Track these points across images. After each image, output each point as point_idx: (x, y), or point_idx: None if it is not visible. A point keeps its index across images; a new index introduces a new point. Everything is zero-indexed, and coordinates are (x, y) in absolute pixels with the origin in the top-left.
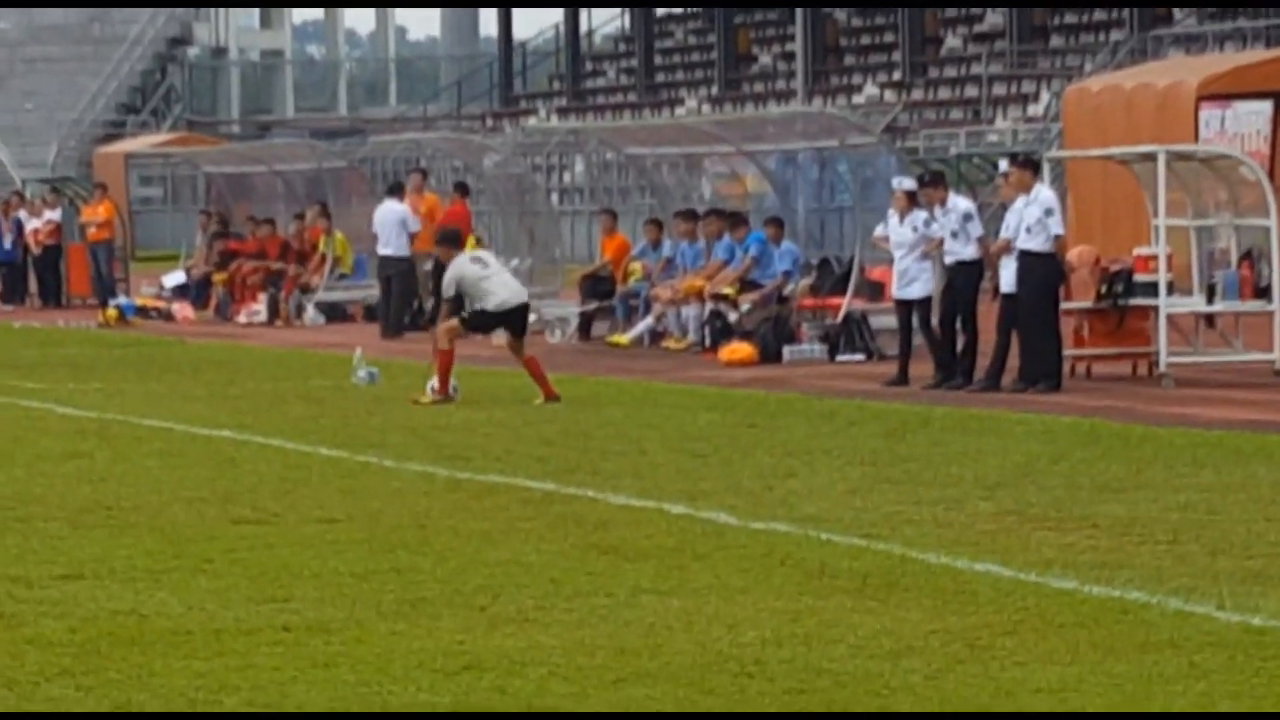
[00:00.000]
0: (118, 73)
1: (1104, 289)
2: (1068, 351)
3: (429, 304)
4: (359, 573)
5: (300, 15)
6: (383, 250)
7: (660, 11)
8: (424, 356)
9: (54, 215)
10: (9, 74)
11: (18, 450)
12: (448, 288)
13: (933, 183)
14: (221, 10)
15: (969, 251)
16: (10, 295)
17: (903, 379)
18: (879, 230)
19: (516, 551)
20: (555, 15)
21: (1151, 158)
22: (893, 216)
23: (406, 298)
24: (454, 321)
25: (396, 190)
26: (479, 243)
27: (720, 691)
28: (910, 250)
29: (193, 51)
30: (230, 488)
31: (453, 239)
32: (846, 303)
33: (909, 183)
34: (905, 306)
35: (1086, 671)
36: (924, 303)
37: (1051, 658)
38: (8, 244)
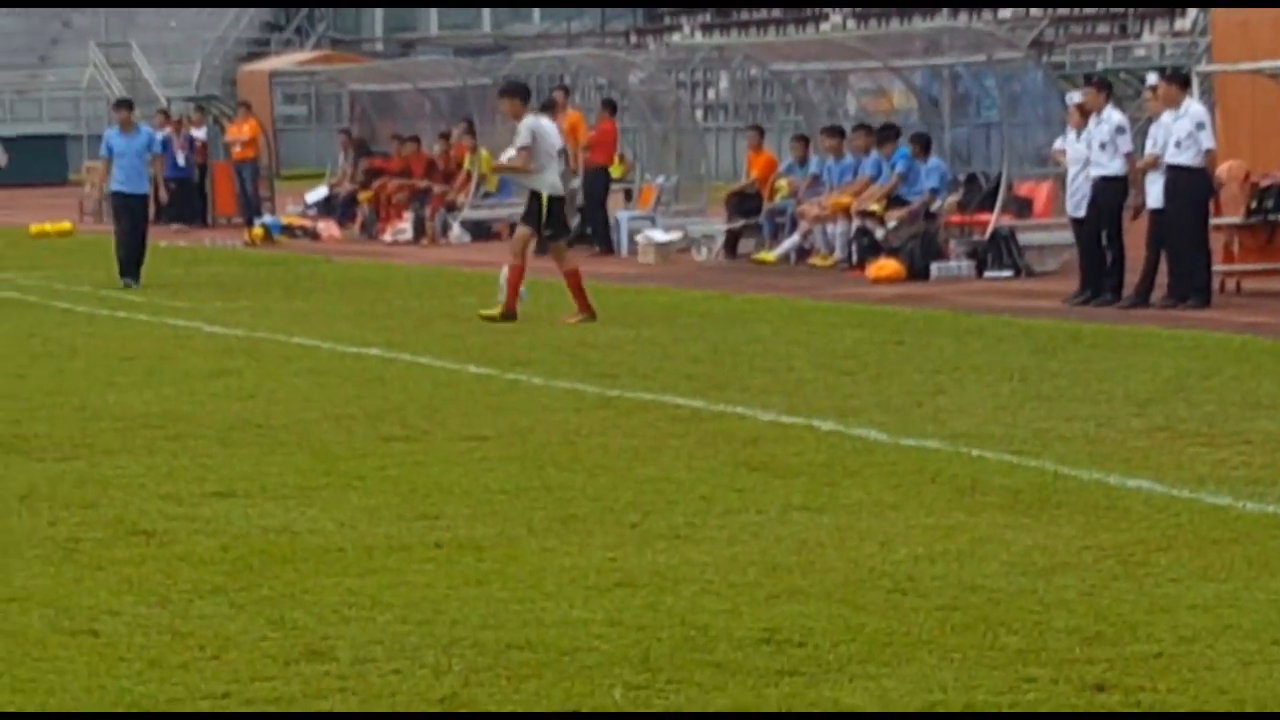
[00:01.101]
0: None
1: (1254, 204)
2: (1217, 267)
3: (574, 221)
4: (509, 490)
5: None
6: None
7: None
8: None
9: (199, 134)
10: None
11: (167, 368)
12: (520, 136)
13: (1097, 86)
14: None
15: (1115, 166)
16: (184, 213)
17: (1091, 294)
18: (1057, 144)
19: (666, 468)
20: None
21: None
22: (1069, 131)
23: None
24: (527, 232)
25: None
26: (623, 160)
27: (873, 608)
28: (1084, 166)
29: None
30: (379, 405)
31: (520, 91)
32: (994, 219)
33: (1079, 96)
34: (1078, 224)
35: (1241, 587)
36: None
37: (1206, 574)
38: (181, 160)
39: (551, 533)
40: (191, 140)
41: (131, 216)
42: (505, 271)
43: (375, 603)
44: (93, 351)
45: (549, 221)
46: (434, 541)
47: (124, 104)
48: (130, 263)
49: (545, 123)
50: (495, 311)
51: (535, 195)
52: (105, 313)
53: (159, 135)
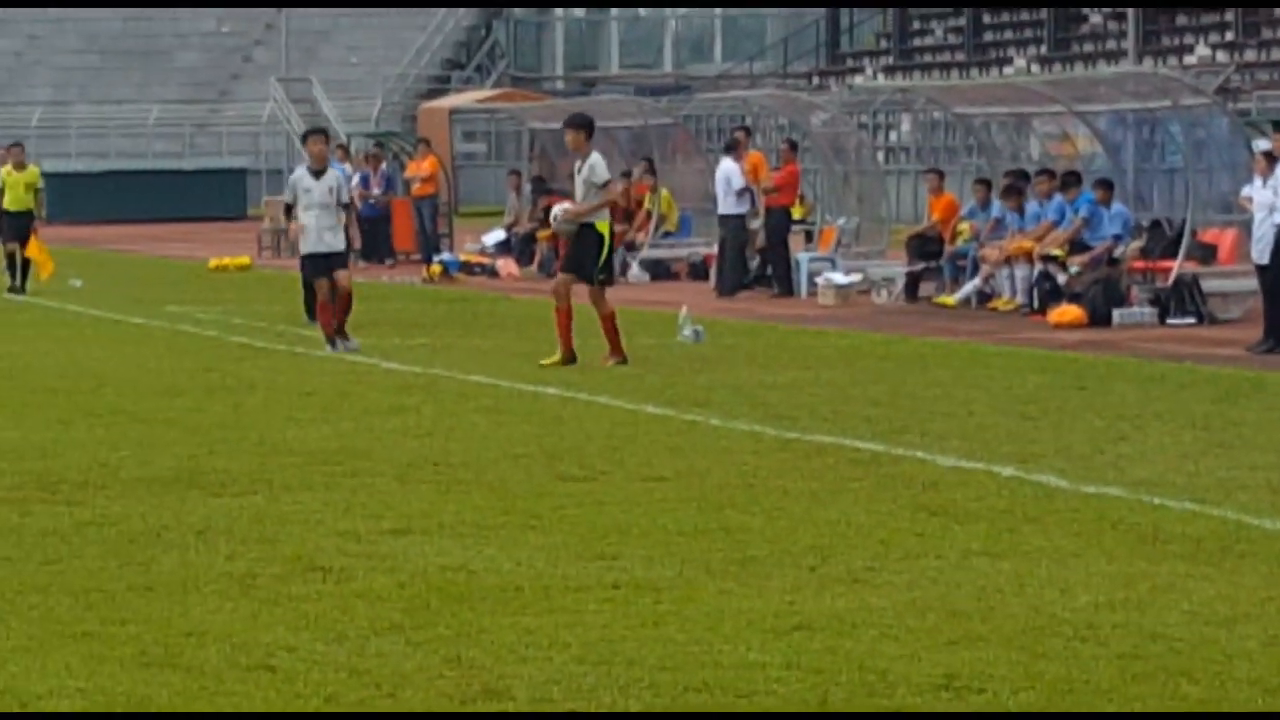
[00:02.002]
0: (443, 28)
1: None
2: None
3: (754, 263)
4: (687, 531)
5: None
6: (719, 209)
7: None
8: (749, 315)
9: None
10: (334, 28)
11: (345, 405)
12: (598, 172)
13: None
14: None
15: None
16: (374, 250)
17: (1275, 343)
18: (1245, 191)
19: (845, 512)
20: None
21: None
22: (1256, 179)
23: (739, 256)
24: (569, 278)
25: (732, 148)
26: (804, 201)
27: (1053, 655)
28: (1270, 213)
29: (518, 9)
30: (557, 445)
31: (588, 125)
32: (1178, 266)
33: (1265, 143)
34: (1262, 271)
35: None
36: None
37: None
38: (374, 196)
39: (729, 575)
40: (388, 177)
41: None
42: (558, 316)
43: (552, 643)
44: (271, 387)
45: (607, 263)
46: (612, 582)
47: (317, 134)
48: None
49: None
50: (556, 358)
51: (596, 233)
52: (283, 348)
53: (355, 173)
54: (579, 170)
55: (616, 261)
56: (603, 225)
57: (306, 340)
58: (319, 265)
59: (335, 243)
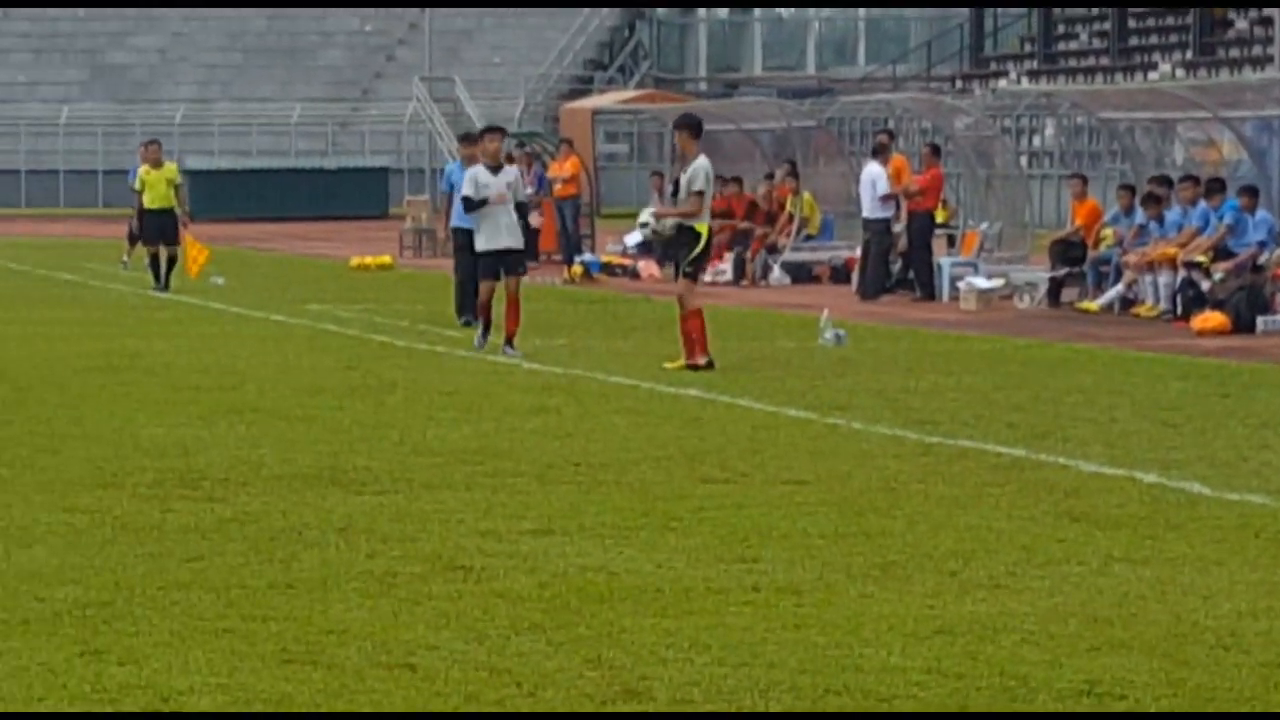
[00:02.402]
0: (586, 28)
1: None
2: None
3: (896, 266)
4: (828, 534)
5: None
6: (863, 212)
7: None
8: (891, 319)
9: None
10: (477, 28)
11: (486, 405)
12: (696, 180)
13: None
14: None
15: None
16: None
17: None
18: None
19: (987, 517)
20: None
21: None
22: None
23: (882, 260)
24: (688, 283)
25: (879, 151)
26: (946, 205)
27: (1196, 663)
28: None
29: (661, 9)
30: (698, 447)
31: (698, 126)
32: None
33: None
34: None
35: None
36: None
37: None
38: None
39: (870, 579)
40: (541, 176)
41: (473, 253)
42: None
43: (693, 644)
44: (412, 386)
45: (696, 259)
46: (752, 585)
47: (469, 138)
48: (470, 299)
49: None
50: (679, 363)
51: (694, 233)
52: (424, 347)
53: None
54: (683, 171)
55: (759, 264)
56: (701, 226)
57: (448, 340)
58: (491, 263)
59: (515, 238)
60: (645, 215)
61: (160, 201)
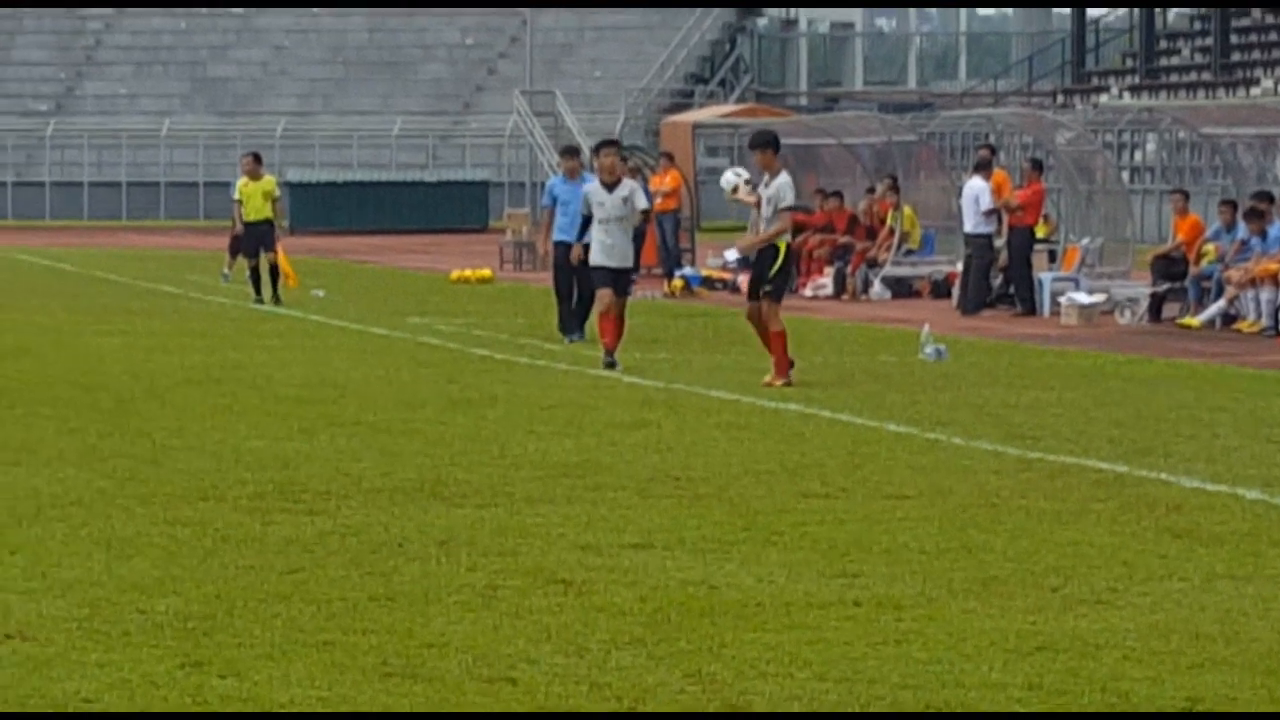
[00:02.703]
0: (686, 42)
1: None
2: None
3: (997, 281)
4: (929, 549)
5: None
6: (965, 227)
7: None
8: (992, 334)
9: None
10: (579, 41)
11: (587, 419)
12: (784, 196)
13: None
14: None
15: None
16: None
17: None
18: None
19: (1088, 533)
20: None
21: None
22: None
23: (983, 275)
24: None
25: (982, 166)
26: (1047, 220)
27: None
28: None
29: (762, 22)
30: (798, 461)
31: (775, 142)
32: None
33: None
34: None
35: None
36: None
37: None
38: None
39: (971, 594)
40: (647, 191)
41: (575, 268)
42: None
43: (794, 659)
44: (512, 399)
45: (776, 276)
46: (853, 599)
47: (571, 151)
48: (572, 317)
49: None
50: (776, 380)
51: (774, 248)
52: (524, 360)
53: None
54: (765, 185)
55: (859, 279)
56: (780, 242)
57: (549, 353)
58: (605, 278)
59: (625, 258)
60: (730, 255)
61: (257, 214)
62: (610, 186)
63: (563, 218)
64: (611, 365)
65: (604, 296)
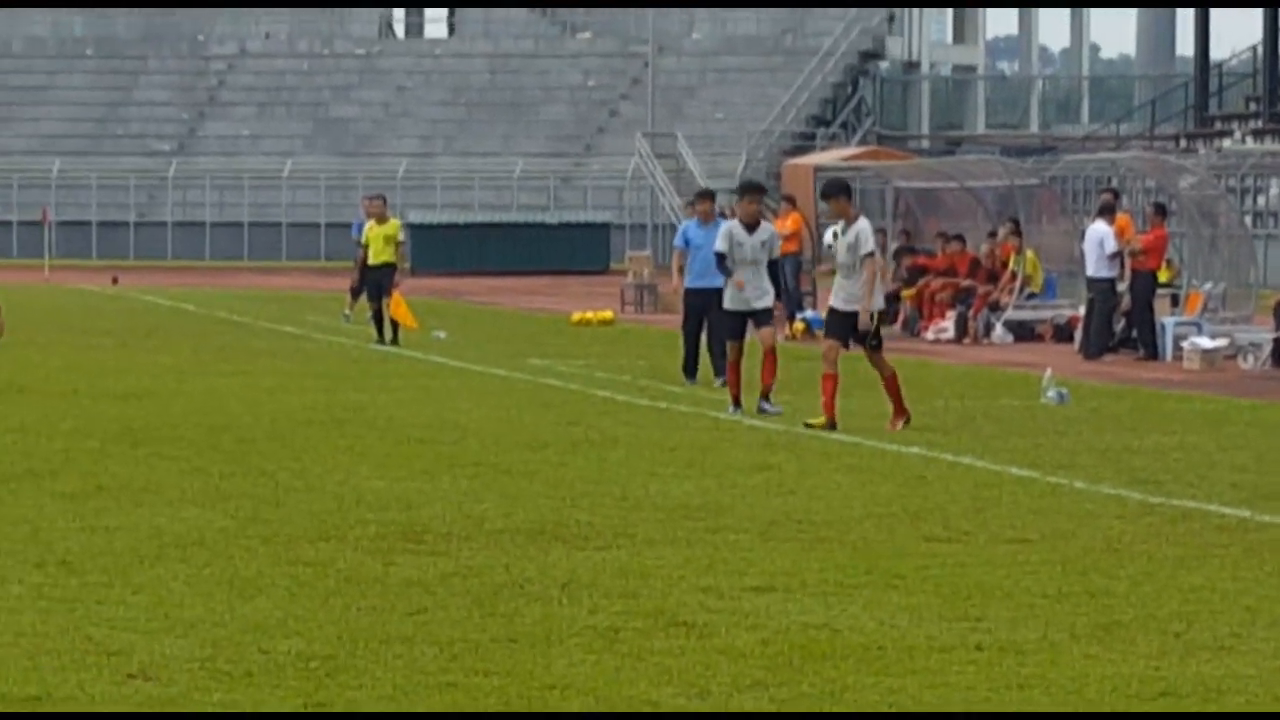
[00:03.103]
0: (808, 85)
1: None
2: None
3: (1119, 325)
4: (1051, 594)
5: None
6: (1088, 271)
7: None
8: (1114, 378)
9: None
10: (700, 84)
11: (707, 461)
12: (866, 242)
13: None
14: (914, 24)
15: None
16: None
17: None
18: None
19: (1211, 578)
20: (1253, 34)
21: None
22: None
23: (1106, 319)
24: (837, 344)
25: (1106, 210)
26: (1170, 265)
27: None
28: None
29: (884, 65)
30: (920, 505)
31: (848, 190)
32: None
33: None
34: None
35: None
36: None
37: None
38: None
39: (1094, 639)
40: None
41: (703, 314)
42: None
43: (916, 703)
44: (634, 441)
45: (876, 332)
46: (975, 644)
47: (706, 195)
48: (696, 362)
49: None
50: (819, 421)
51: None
52: (646, 403)
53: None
54: (842, 233)
55: (981, 322)
56: (879, 298)
57: (670, 395)
58: (738, 323)
59: (763, 300)
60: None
61: (379, 257)
62: (750, 229)
63: (696, 263)
64: (737, 406)
65: (733, 350)
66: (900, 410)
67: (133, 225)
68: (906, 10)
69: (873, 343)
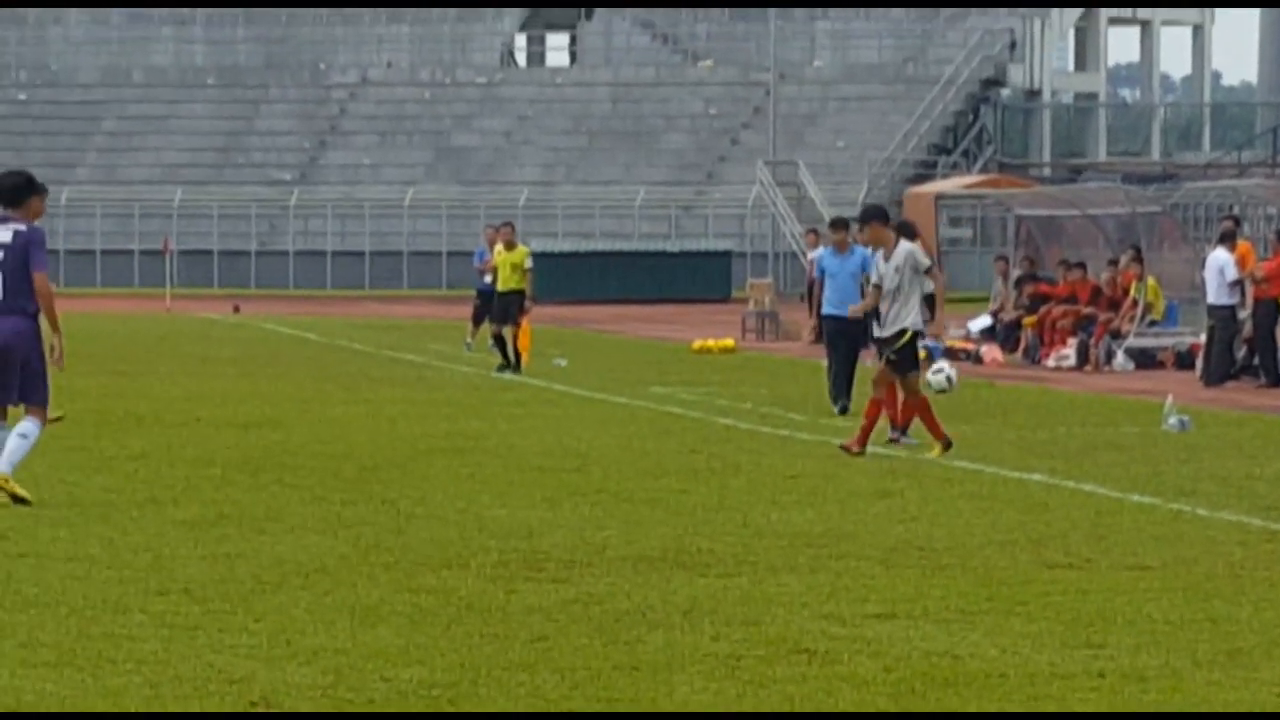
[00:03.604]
0: (930, 113)
1: None
2: None
3: (1241, 352)
4: (1174, 620)
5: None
6: (1209, 299)
7: None
8: (1236, 405)
9: (814, 254)
10: (822, 112)
11: (830, 488)
12: (922, 260)
13: None
14: (1036, 52)
15: None
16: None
17: None
18: None
19: None
20: None
21: None
22: None
23: (1227, 346)
24: (886, 368)
25: (1227, 238)
26: None
27: None
28: None
29: (1005, 93)
30: (1042, 532)
31: (885, 214)
32: None
33: None
34: None
35: None
36: None
37: None
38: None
39: (1217, 665)
40: None
41: (846, 341)
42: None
43: None
44: (755, 469)
45: (905, 347)
46: (1098, 671)
47: (840, 223)
48: (842, 390)
49: None
50: (935, 451)
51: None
52: (768, 430)
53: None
54: (886, 259)
55: (1103, 350)
56: (915, 318)
57: (792, 423)
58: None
59: (888, 330)
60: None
61: (506, 284)
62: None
63: (831, 292)
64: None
65: (879, 380)
66: (936, 433)
67: (254, 254)
68: (1028, 37)
69: (890, 357)
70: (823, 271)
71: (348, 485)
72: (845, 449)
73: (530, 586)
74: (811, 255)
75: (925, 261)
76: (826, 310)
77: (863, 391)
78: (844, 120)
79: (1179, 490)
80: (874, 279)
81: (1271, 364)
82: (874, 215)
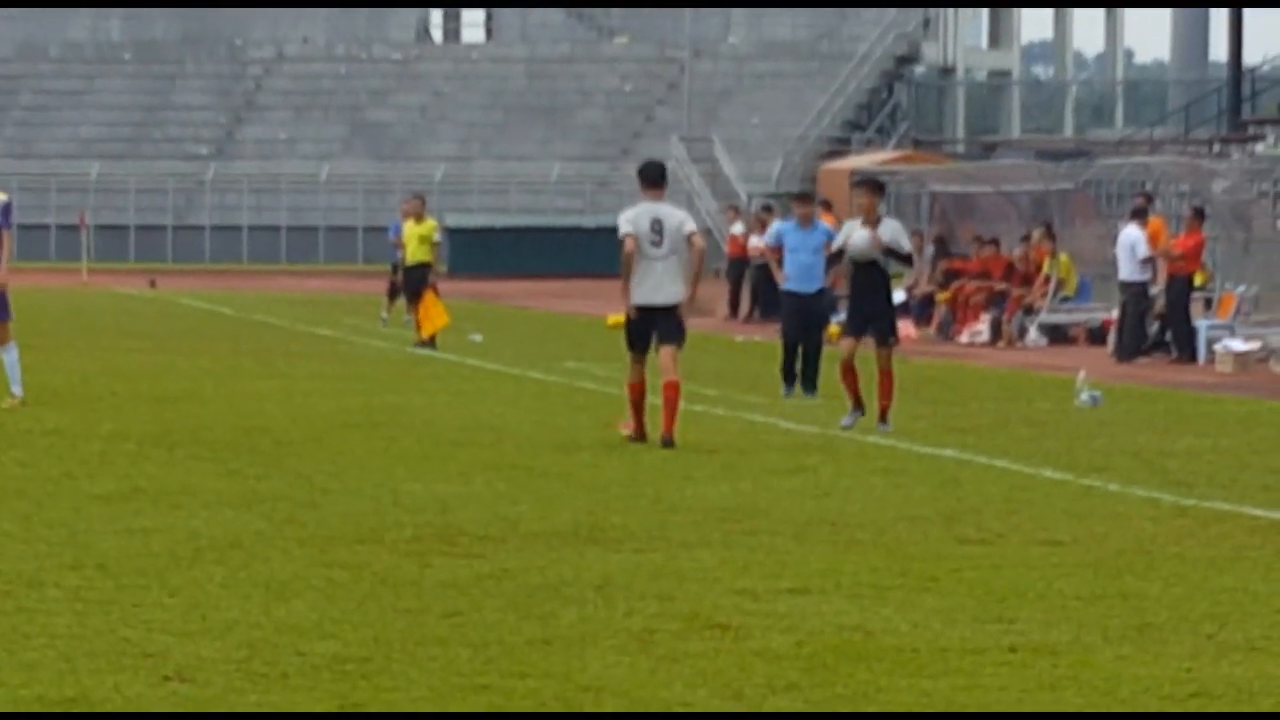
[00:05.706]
0: (844, 89)
1: None
2: None
3: (1152, 328)
4: (1084, 596)
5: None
6: (1121, 275)
7: None
8: (1147, 381)
9: (735, 230)
10: (737, 89)
11: (743, 463)
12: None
13: None
14: (949, 29)
15: None
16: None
17: None
18: None
19: (1244, 579)
20: None
21: None
22: None
23: (1139, 322)
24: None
25: (1139, 214)
26: (1203, 268)
27: None
28: None
29: (920, 70)
30: (954, 507)
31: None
32: None
33: None
34: None
35: None
36: None
37: None
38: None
39: (1127, 640)
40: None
41: (803, 318)
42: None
43: (949, 704)
44: None
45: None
46: (1009, 645)
47: (804, 197)
48: (794, 370)
49: None
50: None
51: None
52: (680, 406)
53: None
54: (872, 228)
55: (1015, 325)
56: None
57: (705, 399)
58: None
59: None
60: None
61: (416, 256)
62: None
63: (791, 266)
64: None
65: (847, 346)
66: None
67: (170, 229)
68: (941, 15)
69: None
70: (779, 243)
71: (263, 460)
72: (855, 408)
73: (444, 561)
74: (773, 228)
75: (906, 247)
76: (788, 286)
77: (832, 373)
78: (759, 97)
79: (1091, 466)
80: (850, 250)
81: (1184, 339)
82: (869, 184)
